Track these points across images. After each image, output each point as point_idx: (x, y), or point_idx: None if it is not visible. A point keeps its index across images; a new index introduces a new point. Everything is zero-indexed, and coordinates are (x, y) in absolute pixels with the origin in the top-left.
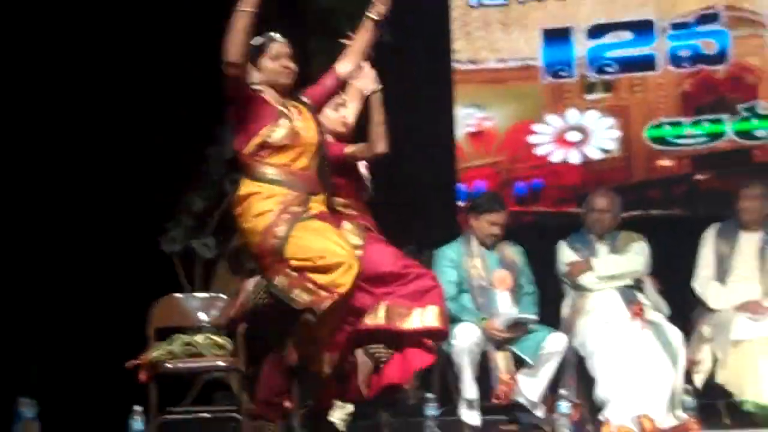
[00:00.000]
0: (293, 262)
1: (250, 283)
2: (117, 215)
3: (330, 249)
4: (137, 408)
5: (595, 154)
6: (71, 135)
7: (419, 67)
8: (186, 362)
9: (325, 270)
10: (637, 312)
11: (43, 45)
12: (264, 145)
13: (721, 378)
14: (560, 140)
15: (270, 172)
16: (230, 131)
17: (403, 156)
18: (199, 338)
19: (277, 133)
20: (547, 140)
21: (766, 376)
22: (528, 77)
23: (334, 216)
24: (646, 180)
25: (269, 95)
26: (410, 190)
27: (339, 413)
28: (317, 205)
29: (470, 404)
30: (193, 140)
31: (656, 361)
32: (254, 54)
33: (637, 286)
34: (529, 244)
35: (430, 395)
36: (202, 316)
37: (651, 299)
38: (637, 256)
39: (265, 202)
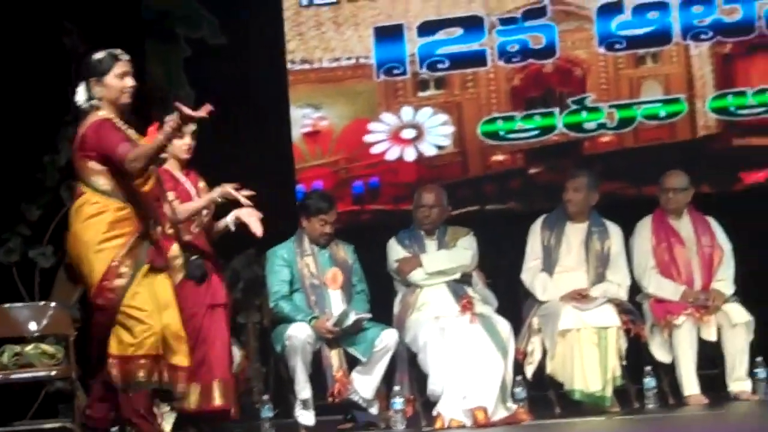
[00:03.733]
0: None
1: None
2: None
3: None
4: None
5: (430, 151)
6: None
7: (254, 69)
8: (17, 373)
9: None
10: (466, 306)
11: None
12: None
13: (550, 368)
14: (395, 138)
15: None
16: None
17: (240, 159)
18: (28, 348)
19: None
20: (382, 138)
21: (593, 365)
22: (362, 76)
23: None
24: (482, 175)
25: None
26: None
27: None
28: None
29: (305, 404)
30: (28, 149)
31: (486, 353)
32: (99, 70)
33: (466, 280)
34: (367, 242)
35: (264, 397)
36: (32, 326)
37: (479, 293)
38: (464, 250)
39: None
